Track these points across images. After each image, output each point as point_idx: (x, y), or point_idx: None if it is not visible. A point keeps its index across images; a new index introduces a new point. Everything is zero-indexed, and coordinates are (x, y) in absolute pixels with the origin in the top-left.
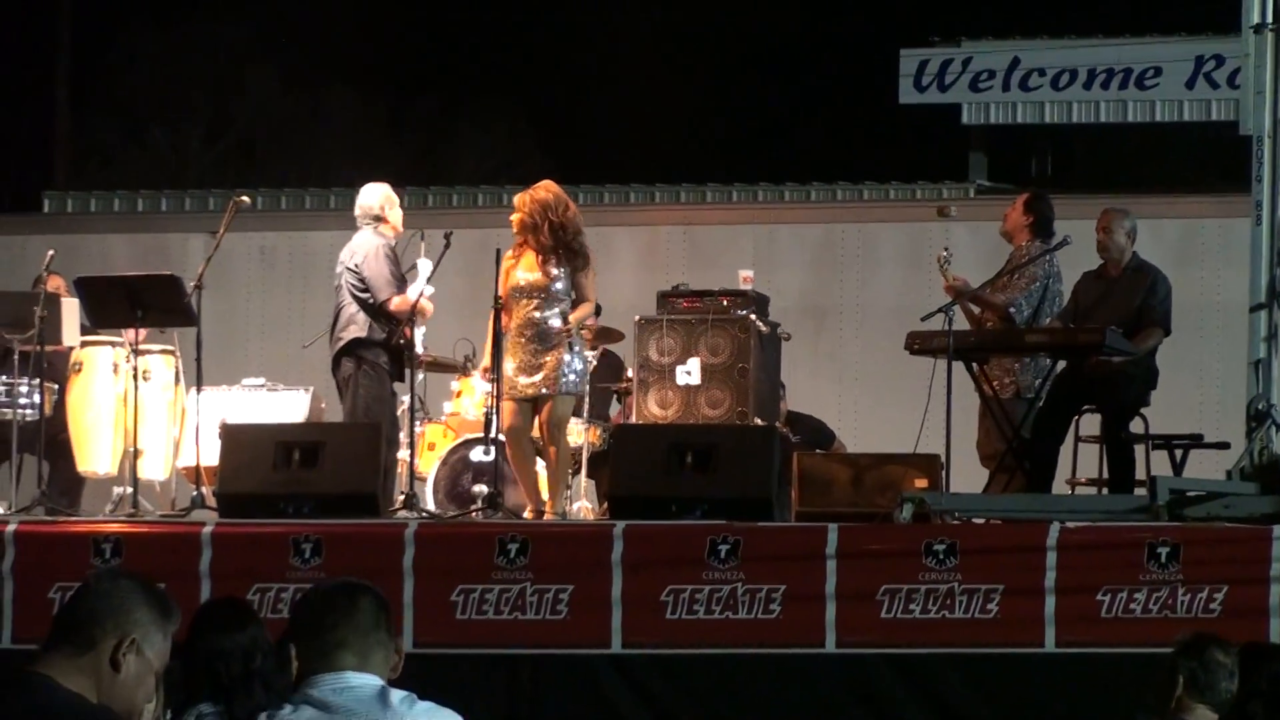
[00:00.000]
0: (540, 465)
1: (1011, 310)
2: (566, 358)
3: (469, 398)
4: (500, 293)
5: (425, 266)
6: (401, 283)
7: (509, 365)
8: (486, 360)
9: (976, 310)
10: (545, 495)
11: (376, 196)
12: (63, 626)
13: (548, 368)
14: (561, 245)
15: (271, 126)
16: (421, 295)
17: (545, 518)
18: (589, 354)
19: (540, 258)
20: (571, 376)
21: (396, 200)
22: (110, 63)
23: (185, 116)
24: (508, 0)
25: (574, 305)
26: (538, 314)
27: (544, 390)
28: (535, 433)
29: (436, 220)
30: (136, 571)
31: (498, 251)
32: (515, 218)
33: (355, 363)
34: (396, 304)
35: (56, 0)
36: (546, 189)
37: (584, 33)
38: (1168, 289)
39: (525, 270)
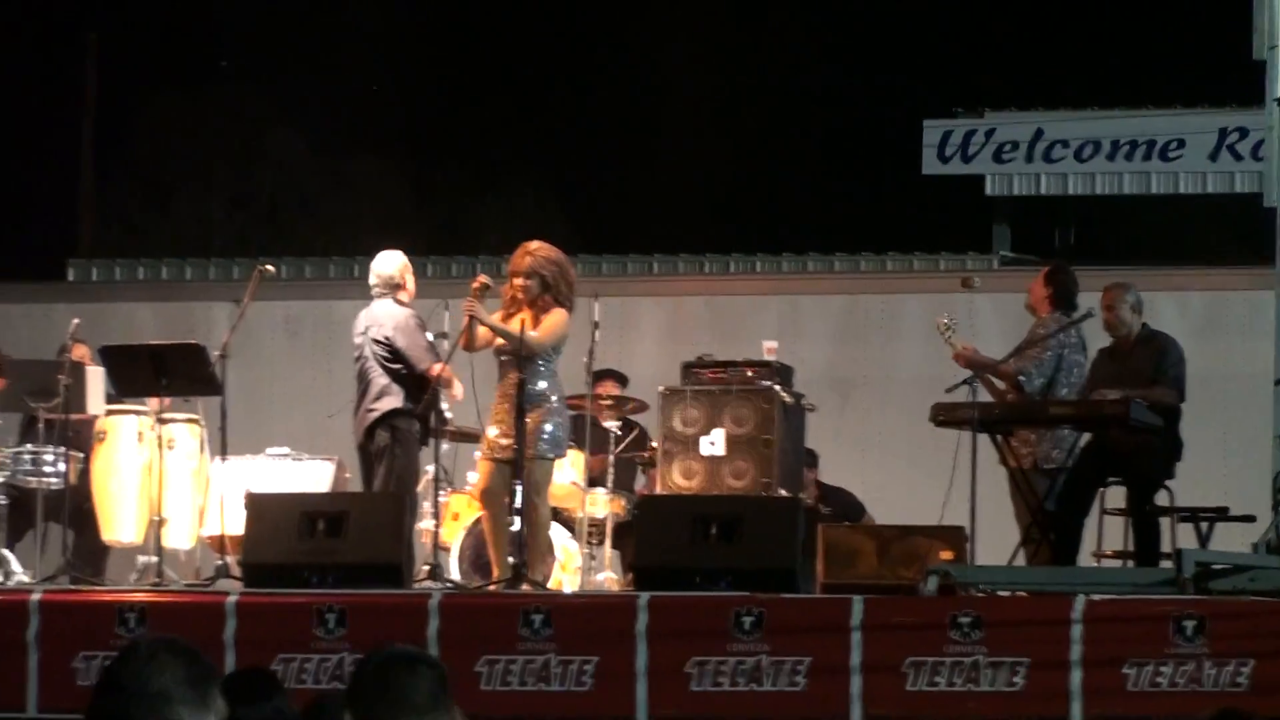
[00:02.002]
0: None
1: (1021, 379)
2: (545, 422)
3: None
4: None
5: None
6: (435, 350)
7: (491, 428)
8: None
9: (1000, 384)
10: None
11: (395, 264)
12: None
13: (527, 430)
14: (565, 304)
15: (296, 194)
16: (446, 370)
17: (523, 586)
18: (613, 425)
19: (533, 316)
20: (549, 439)
21: (411, 267)
22: (135, 129)
23: (209, 184)
24: (533, 71)
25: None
26: (525, 378)
27: (532, 455)
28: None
29: (461, 290)
30: (173, 638)
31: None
32: (526, 278)
33: (390, 433)
34: (438, 370)
35: (81, 66)
36: (552, 248)
37: (608, 105)
38: (1179, 355)
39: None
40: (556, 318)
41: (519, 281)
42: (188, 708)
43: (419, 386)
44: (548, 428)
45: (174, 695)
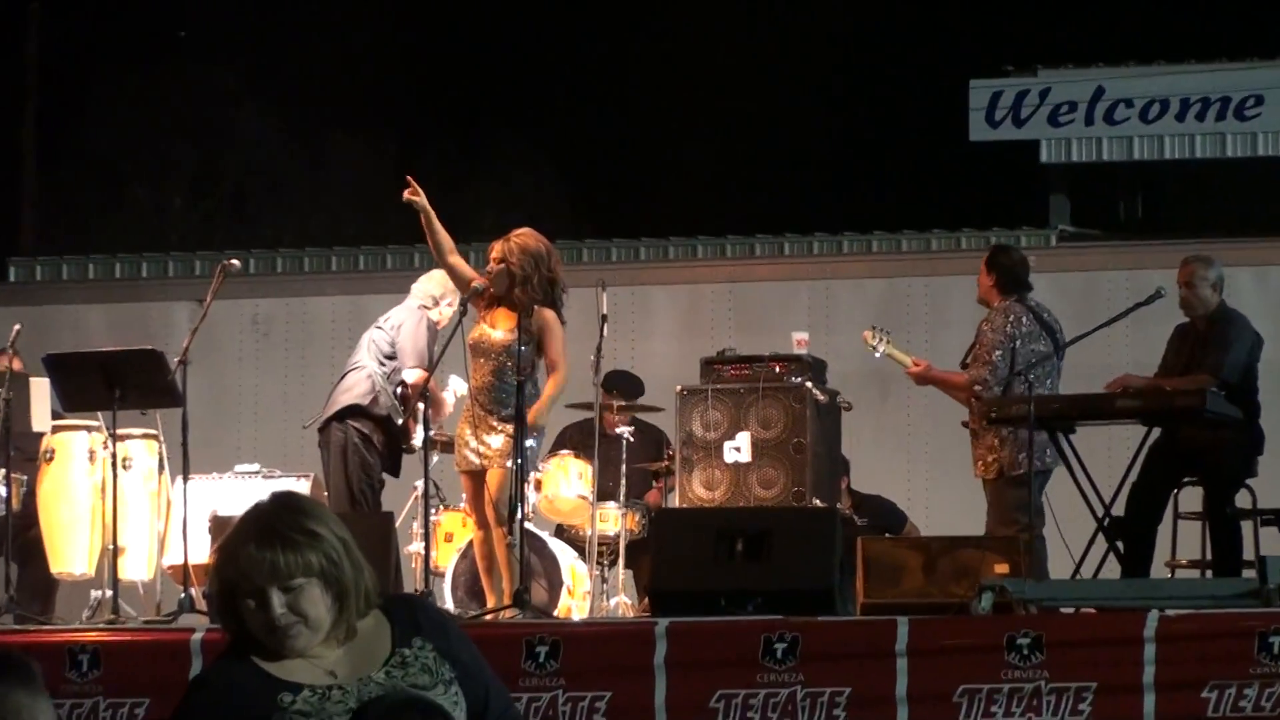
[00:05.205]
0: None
1: (978, 388)
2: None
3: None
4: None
5: (457, 384)
6: (431, 364)
7: (466, 432)
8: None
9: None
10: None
11: (439, 285)
12: None
13: (502, 439)
14: (549, 303)
15: (265, 180)
16: (432, 383)
17: (506, 615)
18: (623, 430)
19: (516, 315)
20: (537, 446)
21: (456, 299)
22: (82, 110)
23: (167, 170)
24: (528, 38)
25: (549, 373)
26: (495, 379)
27: (494, 464)
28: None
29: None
30: None
31: (464, 302)
32: (497, 269)
33: (345, 432)
34: (415, 378)
35: (21, 45)
36: (534, 237)
37: (616, 70)
38: (1236, 336)
39: (499, 328)
40: (557, 331)
41: (490, 266)
42: (22, 699)
43: (401, 396)
44: (529, 439)
45: (5, 700)
